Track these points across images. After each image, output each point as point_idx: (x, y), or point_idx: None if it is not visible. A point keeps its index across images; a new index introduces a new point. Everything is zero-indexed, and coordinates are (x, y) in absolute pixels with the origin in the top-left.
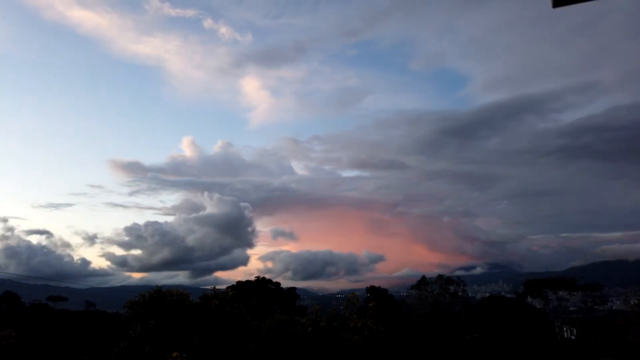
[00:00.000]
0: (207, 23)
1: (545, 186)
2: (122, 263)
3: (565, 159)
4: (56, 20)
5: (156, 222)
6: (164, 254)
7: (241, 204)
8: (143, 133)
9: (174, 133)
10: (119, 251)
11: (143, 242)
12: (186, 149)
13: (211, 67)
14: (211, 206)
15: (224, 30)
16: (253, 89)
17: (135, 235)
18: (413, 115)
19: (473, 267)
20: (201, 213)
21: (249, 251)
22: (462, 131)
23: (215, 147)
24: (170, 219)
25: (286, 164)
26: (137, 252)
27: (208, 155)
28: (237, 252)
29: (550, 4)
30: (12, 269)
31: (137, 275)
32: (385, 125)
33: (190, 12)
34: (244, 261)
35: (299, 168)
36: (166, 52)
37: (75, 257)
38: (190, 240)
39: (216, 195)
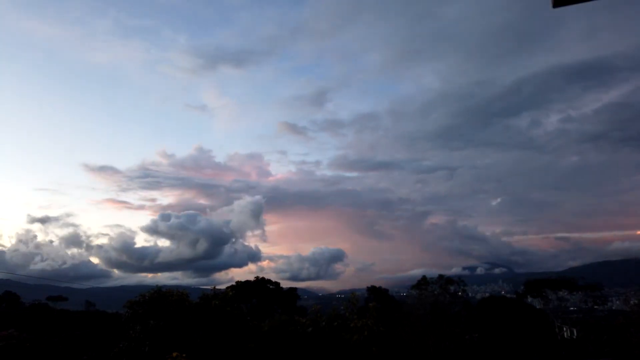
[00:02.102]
0: (166, 32)
1: (548, 184)
2: (122, 263)
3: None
4: (6, 29)
5: (158, 221)
6: (167, 253)
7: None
8: (115, 138)
9: (145, 138)
10: (118, 251)
11: (144, 241)
12: (159, 154)
13: (174, 72)
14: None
15: (182, 38)
16: (220, 92)
17: (135, 235)
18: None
19: (473, 267)
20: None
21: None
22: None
23: (188, 151)
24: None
25: (266, 166)
26: (138, 252)
27: (181, 158)
28: (239, 252)
29: (550, 4)
30: (12, 269)
31: (137, 275)
32: (373, 121)
33: (147, 22)
34: (246, 262)
35: (281, 169)
36: (128, 61)
37: (74, 258)
38: (192, 241)
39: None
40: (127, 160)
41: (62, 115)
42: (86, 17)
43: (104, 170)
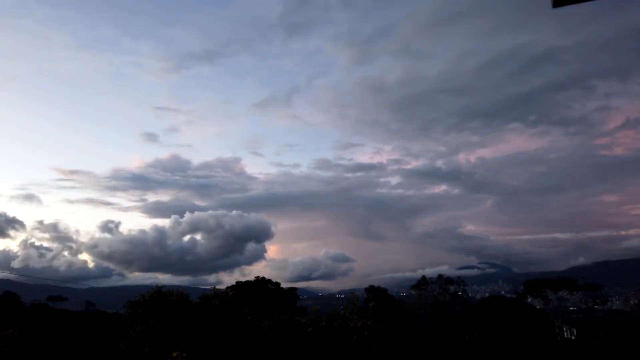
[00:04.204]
0: (126, 42)
1: (553, 182)
2: (122, 263)
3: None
4: None
5: (159, 222)
6: (168, 253)
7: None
8: (89, 143)
9: (120, 142)
10: (118, 251)
11: (146, 241)
12: (136, 157)
13: (141, 76)
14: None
15: (144, 45)
16: (189, 95)
17: (135, 235)
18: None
19: (473, 267)
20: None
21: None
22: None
23: (165, 154)
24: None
25: (252, 166)
26: (137, 252)
27: (158, 161)
28: (244, 253)
29: (550, 3)
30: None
31: (137, 275)
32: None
33: (106, 33)
34: (250, 262)
35: (268, 170)
36: (91, 71)
37: (73, 258)
38: (192, 243)
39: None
40: (105, 163)
41: (34, 122)
42: (40, 30)
43: (77, 173)
